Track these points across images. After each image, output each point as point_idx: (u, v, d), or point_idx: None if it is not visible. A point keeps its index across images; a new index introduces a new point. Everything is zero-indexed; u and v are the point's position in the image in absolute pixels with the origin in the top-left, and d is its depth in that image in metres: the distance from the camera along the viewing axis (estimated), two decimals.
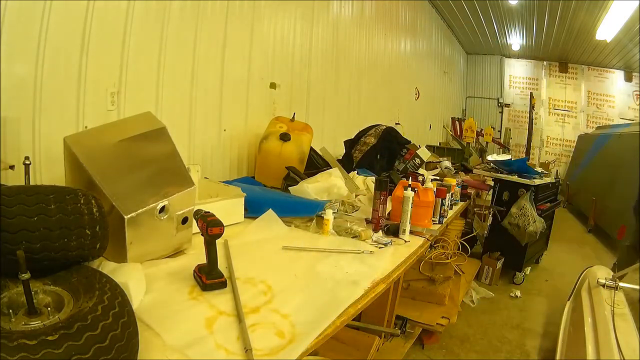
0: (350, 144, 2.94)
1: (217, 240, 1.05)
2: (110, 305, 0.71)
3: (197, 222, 1.07)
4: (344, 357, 1.59)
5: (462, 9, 6.16)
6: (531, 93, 8.38)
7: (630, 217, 3.34)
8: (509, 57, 8.73)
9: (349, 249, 1.41)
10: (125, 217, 1.04)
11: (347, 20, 3.63)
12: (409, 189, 1.62)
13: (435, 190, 1.85)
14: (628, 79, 7.94)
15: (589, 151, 6.64)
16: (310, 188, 1.85)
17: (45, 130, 1.43)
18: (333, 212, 1.64)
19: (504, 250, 3.37)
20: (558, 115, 8.66)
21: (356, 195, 2.07)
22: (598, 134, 6.76)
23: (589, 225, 5.32)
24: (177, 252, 1.25)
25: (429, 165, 3.29)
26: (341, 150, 3.06)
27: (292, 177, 2.07)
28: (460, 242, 2.83)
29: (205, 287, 1.03)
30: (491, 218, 3.33)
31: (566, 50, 7.48)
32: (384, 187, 1.67)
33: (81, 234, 0.84)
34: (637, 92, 7.90)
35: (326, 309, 1.00)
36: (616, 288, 1.78)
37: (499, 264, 3.35)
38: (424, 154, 3.10)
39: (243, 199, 1.60)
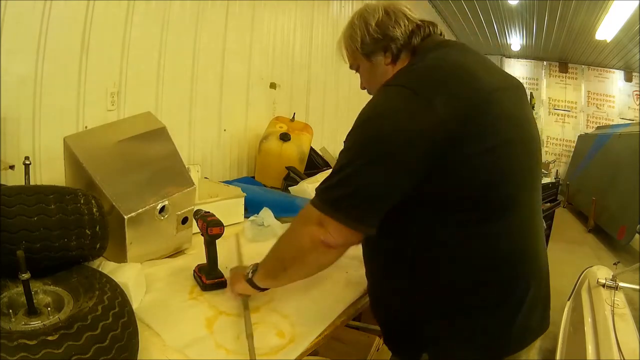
0: None
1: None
2: (110, 305, 0.71)
3: (197, 222, 1.08)
4: (344, 357, 1.59)
5: (462, 9, 6.15)
6: (531, 93, 8.37)
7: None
8: (509, 57, 8.71)
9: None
10: (125, 217, 1.04)
11: (347, 20, 3.61)
12: None
13: None
14: (628, 79, 7.93)
15: (588, 151, 6.64)
16: (310, 188, 1.84)
17: (45, 130, 1.43)
18: None
19: None
20: (558, 115, 8.65)
21: None
22: (598, 134, 6.76)
23: (589, 225, 5.31)
24: (177, 252, 1.25)
25: None
26: None
27: (292, 177, 2.08)
28: None
29: (205, 287, 1.03)
30: None
31: (566, 50, 7.48)
32: None
33: (81, 234, 0.84)
34: (637, 92, 7.90)
35: (326, 309, 1.00)
36: (616, 288, 1.78)
37: None
38: None
39: (243, 199, 1.60)
